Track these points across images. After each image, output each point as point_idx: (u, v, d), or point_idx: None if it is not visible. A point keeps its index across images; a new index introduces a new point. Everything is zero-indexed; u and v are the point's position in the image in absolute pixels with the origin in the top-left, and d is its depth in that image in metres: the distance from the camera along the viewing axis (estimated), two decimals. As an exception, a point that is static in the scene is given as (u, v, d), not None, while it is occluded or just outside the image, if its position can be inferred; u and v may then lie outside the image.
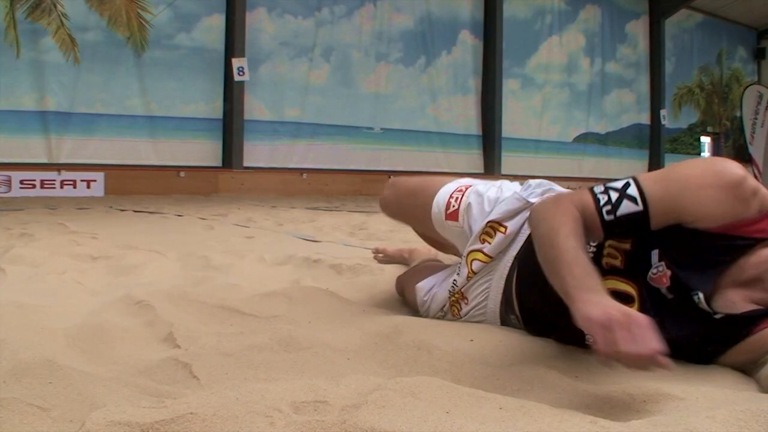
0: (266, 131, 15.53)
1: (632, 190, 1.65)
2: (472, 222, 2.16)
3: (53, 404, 1.34)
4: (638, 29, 23.43)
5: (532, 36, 20.69)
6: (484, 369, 1.80)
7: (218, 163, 14.95)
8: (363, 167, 17.08)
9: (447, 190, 2.26)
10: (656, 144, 23.37)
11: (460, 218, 2.20)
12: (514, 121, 19.91)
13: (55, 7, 13.19)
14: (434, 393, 1.42)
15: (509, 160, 19.39)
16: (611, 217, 1.65)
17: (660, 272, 1.68)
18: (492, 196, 2.19)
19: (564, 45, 21.33)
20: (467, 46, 19.22)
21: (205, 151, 14.81)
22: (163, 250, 4.14)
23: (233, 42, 14.78)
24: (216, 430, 1.17)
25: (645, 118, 23.46)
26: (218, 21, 14.96)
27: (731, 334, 1.66)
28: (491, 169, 19.07)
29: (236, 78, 14.34)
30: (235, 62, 14.32)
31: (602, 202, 1.66)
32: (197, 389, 1.47)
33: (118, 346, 1.92)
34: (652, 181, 1.67)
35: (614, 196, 1.66)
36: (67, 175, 12.97)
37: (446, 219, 2.23)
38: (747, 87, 25.23)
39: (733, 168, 1.63)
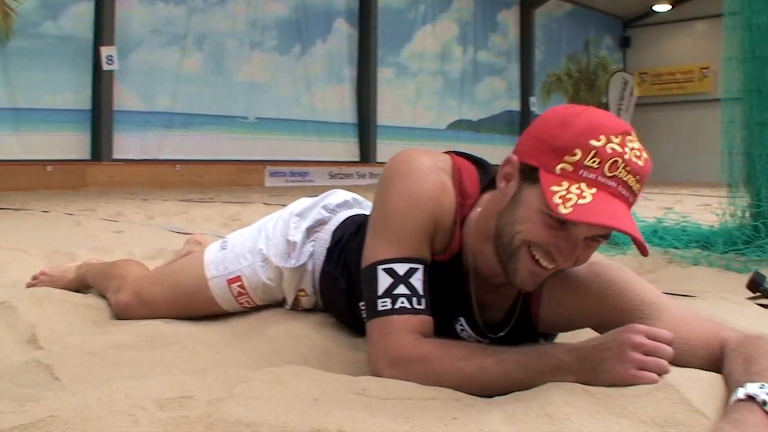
0: (137, 122, 15.08)
1: (400, 267, 1.52)
2: (269, 284, 2.17)
3: None
4: (509, 18, 23.99)
5: (407, 25, 20.87)
6: (354, 355, 1.83)
7: (87, 155, 14.42)
8: (238, 157, 16.84)
9: (217, 284, 2.15)
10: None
11: (256, 299, 2.20)
12: (389, 109, 20.05)
13: None
14: (302, 381, 1.44)
15: (385, 148, 19.50)
16: (422, 303, 1.52)
17: None
18: (259, 246, 2.17)
19: (437, 34, 21.60)
20: (342, 35, 19.23)
21: (73, 143, 14.26)
22: (28, 248, 3.99)
23: (102, 30, 14.22)
24: (77, 432, 1.15)
25: (515, 105, 24.09)
26: (86, 8, 14.37)
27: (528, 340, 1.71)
28: (367, 156, 19.20)
29: (105, 67, 13.87)
30: (104, 51, 13.84)
31: (408, 305, 1.50)
32: (59, 391, 1.43)
33: (-24, 350, 1.84)
34: (393, 243, 1.55)
35: (403, 290, 1.51)
36: None
37: (242, 305, 2.20)
38: (613, 74, 26.32)
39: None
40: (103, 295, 2.42)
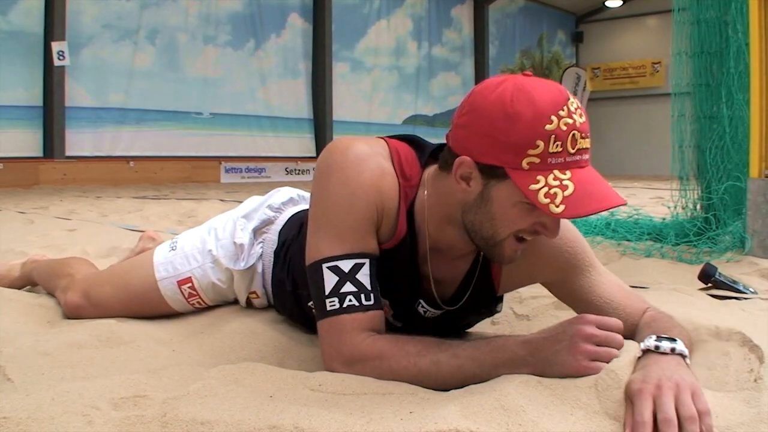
0: (89, 118, 14.85)
1: (346, 264, 1.50)
2: (220, 286, 2.16)
3: None
4: (463, 14, 24.09)
5: (361, 20, 20.85)
6: (311, 350, 1.83)
7: (39, 153, 14.18)
8: (193, 153, 16.70)
9: (167, 285, 2.13)
10: (482, 125, 24.17)
11: (207, 300, 2.19)
12: (344, 104, 20.04)
13: None
14: (258, 378, 1.43)
15: (341, 143, 19.48)
16: (371, 298, 1.50)
17: None
18: (208, 247, 2.15)
19: (392, 29, 21.62)
20: (297, 30, 19.14)
21: (24, 140, 13.99)
22: (-22, 247, 3.93)
23: (52, 25, 13.99)
24: (30, 433, 1.14)
25: (471, 100, 24.17)
26: (37, 3, 14.09)
27: (486, 308, 1.79)
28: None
29: (56, 63, 13.63)
30: (55, 46, 13.61)
31: (356, 303, 1.49)
32: (11, 392, 1.41)
33: (-75, 352, 1.81)
34: (335, 239, 1.52)
35: (350, 287, 1.49)
36: None
37: (193, 306, 2.19)
38: (566, 69, 26.56)
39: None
40: (51, 294, 2.38)
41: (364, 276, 1.51)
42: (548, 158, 1.35)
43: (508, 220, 1.44)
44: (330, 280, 1.50)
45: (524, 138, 1.35)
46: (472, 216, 1.48)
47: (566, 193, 1.34)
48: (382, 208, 1.55)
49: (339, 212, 1.53)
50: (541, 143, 1.34)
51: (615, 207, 1.39)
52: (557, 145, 1.34)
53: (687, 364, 1.31)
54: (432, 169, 1.58)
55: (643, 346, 1.34)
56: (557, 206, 1.33)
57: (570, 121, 1.35)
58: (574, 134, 1.35)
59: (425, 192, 1.58)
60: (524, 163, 1.36)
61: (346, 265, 1.50)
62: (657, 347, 1.32)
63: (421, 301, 1.70)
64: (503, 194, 1.41)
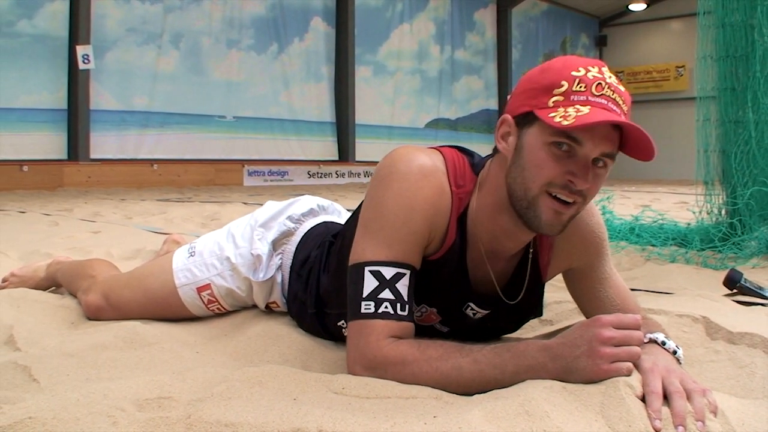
0: (114, 121, 14.97)
1: (388, 271, 1.51)
2: (239, 294, 2.17)
3: None
4: (486, 18, 24.06)
5: (384, 23, 20.87)
6: (334, 353, 1.83)
7: (63, 155, 14.30)
8: (216, 156, 16.78)
9: (187, 292, 2.14)
10: (503, 129, 24.14)
11: (226, 306, 2.19)
12: (367, 107, 20.06)
13: None
14: (282, 381, 1.44)
15: (363, 147, 19.54)
16: (405, 309, 1.51)
17: (424, 313, 1.70)
18: (227, 254, 2.15)
19: (414, 33, 21.63)
20: (319, 33, 19.20)
21: (49, 143, 14.12)
22: (5, 249, 3.96)
23: (77, 28, 14.11)
24: (55, 434, 1.14)
25: (493, 104, 24.15)
26: (62, 7, 14.23)
27: (534, 303, 1.78)
28: (346, 155, 19.18)
29: (81, 66, 13.73)
30: (80, 49, 13.71)
31: (391, 311, 1.49)
32: (37, 393, 1.42)
33: (-48, 352, 1.83)
34: (383, 245, 1.53)
35: (388, 295, 1.50)
36: None
37: (212, 311, 2.19)
38: (588, 73, 26.47)
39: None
40: (73, 295, 2.40)
41: (403, 286, 1.52)
42: (571, 95, 1.42)
43: (537, 167, 1.45)
44: (370, 283, 1.51)
45: (551, 80, 1.44)
46: (510, 178, 1.51)
47: (579, 114, 1.39)
48: (435, 227, 1.57)
49: (393, 221, 1.53)
50: (565, 83, 1.42)
51: (625, 125, 1.41)
52: (581, 86, 1.42)
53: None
54: (485, 172, 1.61)
55: (652, 336, 1.46)
56: (567, 120, 1.38)
57: (600, 75, 1.44)
58: (600, 83, 1.42)
59: (478, 195, 1.60)
60: (550, 102, 1.43)
61: (388, 272, 1.51)
62: (664, 342, 1.45)
63: (471, 304, 1.70)
64: (532, 138, 1.46)
